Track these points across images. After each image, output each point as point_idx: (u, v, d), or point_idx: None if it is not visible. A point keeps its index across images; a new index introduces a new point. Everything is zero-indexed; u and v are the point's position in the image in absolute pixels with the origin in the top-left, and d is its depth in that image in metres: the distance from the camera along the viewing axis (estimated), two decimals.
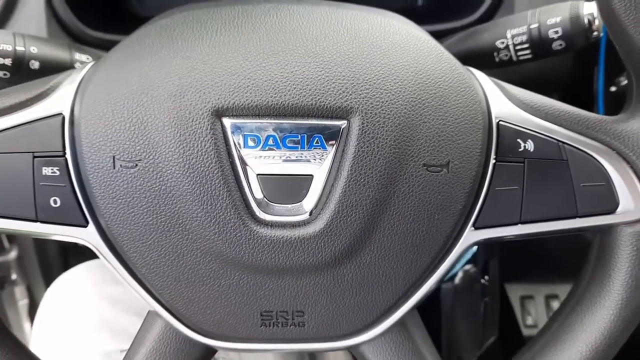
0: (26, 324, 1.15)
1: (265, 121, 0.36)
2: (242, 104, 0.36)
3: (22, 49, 0.48)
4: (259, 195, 0.37)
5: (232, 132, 0.36)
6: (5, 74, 0.48)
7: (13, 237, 1.02)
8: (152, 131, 0.36)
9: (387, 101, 0.36)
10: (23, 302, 1.14)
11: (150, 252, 0.37)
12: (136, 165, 0.36)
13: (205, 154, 0.36)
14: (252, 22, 0.38)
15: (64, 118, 0.37)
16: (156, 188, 0.36)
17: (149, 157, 0.36)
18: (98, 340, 0.61)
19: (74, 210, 0.38)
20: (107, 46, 0.57)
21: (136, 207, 0.37)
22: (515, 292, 0.99)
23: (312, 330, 0.40)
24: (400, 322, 0.41)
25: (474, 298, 0.83)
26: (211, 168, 0.36)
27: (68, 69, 0.51)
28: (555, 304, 0.99)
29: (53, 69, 0.50)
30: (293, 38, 0.37)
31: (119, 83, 0.37)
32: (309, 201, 0.37)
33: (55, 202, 0.37)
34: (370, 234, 0.37)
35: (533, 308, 0.98)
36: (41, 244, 0.95)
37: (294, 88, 0.36)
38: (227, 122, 0.36)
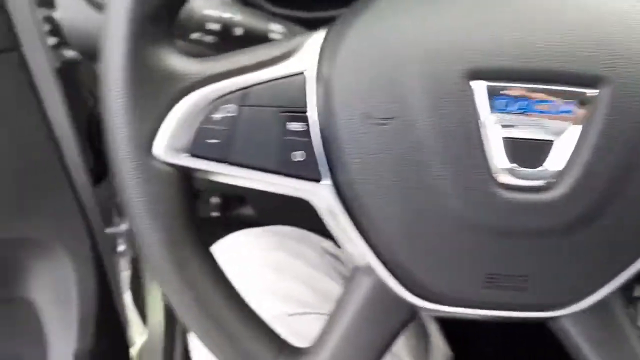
0: (126, 293, 1.19)
1: (515, 85, 0.37)
2: (494, 68, 0.37)
3: (229, 15, 0.50)
4: (502, 158, 0.37)
5: (483, 95, 0.36)
6: (214, 39, 0.50)
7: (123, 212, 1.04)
8: (406, 89, 0.37)
9: (638, 72, 0.36)
10: (126, 273, 1.19)
11: (389, 207, 0.39)
12: (388, 122, 0.37)
13: (455, 116, 0.37)
14: None
15: (308, 76, 0.38)
16: (405, 146, 0.37)
17: (401, 114, 0.37)
18: (265, 304, 0.62)
19: (313, 164, 0.39)
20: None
21: (383, 162, 0.38)
22: None
23: (533, 296, 0.40)
24: (614, 296, 0.41)
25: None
26: (460, 129, 0.37)
27: (264, 37, 0.52)
28: None
29: (252, 36, 0.52)
30: (536, 6, 0.38)
31: (373, 41, 0.38)
32: (552, 166, 0.37)
33: (295, 156, 0.39)
34: (608, 203, 0.37)
35: None
36: None
37: (545, 53, 0.36)
38: (479, 85, 0.36)
